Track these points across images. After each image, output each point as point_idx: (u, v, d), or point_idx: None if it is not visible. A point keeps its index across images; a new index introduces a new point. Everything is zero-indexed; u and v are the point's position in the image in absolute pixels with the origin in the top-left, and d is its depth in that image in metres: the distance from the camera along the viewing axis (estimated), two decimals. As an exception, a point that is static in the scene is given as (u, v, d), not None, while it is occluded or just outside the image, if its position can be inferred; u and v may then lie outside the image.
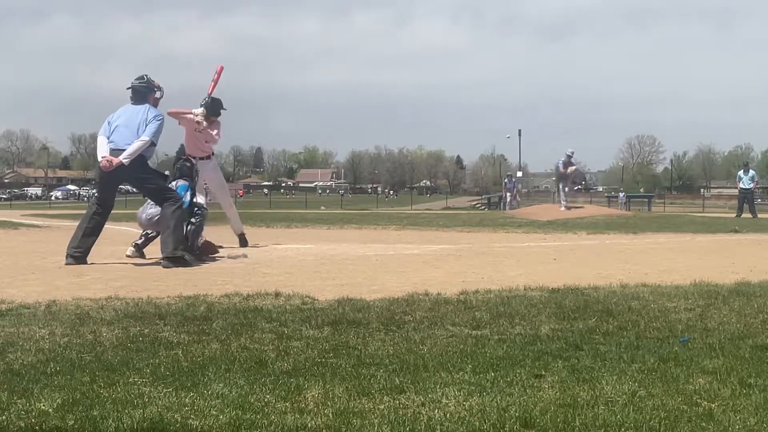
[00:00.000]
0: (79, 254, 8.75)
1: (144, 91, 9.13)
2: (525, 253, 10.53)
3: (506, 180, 39.77)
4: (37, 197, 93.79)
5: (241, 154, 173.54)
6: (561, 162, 24.35)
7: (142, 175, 9.07)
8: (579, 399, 3.17)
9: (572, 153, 24.29)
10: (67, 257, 8.72)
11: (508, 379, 3.48)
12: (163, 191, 9.09)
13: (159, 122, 8.98)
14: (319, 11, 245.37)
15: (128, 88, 9.20)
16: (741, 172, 27.01)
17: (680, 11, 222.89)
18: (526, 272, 7.82)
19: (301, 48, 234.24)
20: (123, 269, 8.19)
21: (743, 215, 24.73)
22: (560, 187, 24.54)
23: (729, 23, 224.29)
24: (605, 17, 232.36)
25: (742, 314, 5.19)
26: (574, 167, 24.44)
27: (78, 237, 8.89)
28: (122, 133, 8.89)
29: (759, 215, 24.82)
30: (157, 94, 9.27)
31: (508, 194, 37.72)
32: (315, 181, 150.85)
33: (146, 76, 9.23)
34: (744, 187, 26.39)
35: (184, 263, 8.56)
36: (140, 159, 8.94)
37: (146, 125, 8.87)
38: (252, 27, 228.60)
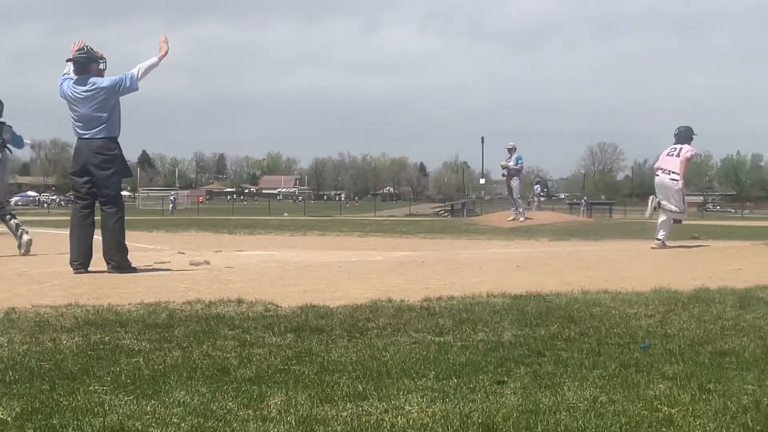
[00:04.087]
0: (78, 264, 8.34)
1: (84, 62, 8.63)
2: (488, 260, 10.57)
3: (537, 185, 41.56)
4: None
5: (204, 160, 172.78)
6: (512, 159, 22.54)
7: (112, 168, 8.54)
8: (541, 405, 3.19)
9: (513, 146, 22.67)
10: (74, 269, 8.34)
11: (471, 386, 3.49)
12: (115, 198, 8.69)
13: (119, 78, 8.57)
14: (287, 18, 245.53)
15: (68, 60, 8.71)
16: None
17: (643, 22, 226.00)
18: (488, 279, 7.85)
19: (267, 55, 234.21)
20: (83, 276, 8.08)
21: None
22: (514, 191, 22.67)
23: (690, 34, 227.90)
24: (571, 27, 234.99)
25: (701, 320, 5.25)
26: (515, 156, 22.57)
27: (74, 247, 8.46)
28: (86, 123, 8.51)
29: (717, 221, 25.24)
30: (101, 66, 8.79)
31: (537, 198, 39.49)
32: (278, 188, 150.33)
33: (86, 46, 8.72)
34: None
35: (133, 270, 8.46)
36: (117, 147, 8.60)
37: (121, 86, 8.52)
38: (218, 33, 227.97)
